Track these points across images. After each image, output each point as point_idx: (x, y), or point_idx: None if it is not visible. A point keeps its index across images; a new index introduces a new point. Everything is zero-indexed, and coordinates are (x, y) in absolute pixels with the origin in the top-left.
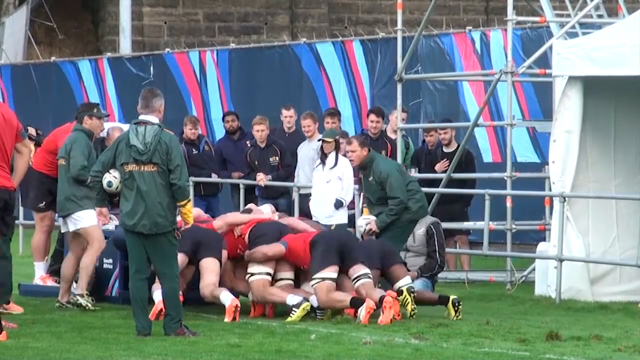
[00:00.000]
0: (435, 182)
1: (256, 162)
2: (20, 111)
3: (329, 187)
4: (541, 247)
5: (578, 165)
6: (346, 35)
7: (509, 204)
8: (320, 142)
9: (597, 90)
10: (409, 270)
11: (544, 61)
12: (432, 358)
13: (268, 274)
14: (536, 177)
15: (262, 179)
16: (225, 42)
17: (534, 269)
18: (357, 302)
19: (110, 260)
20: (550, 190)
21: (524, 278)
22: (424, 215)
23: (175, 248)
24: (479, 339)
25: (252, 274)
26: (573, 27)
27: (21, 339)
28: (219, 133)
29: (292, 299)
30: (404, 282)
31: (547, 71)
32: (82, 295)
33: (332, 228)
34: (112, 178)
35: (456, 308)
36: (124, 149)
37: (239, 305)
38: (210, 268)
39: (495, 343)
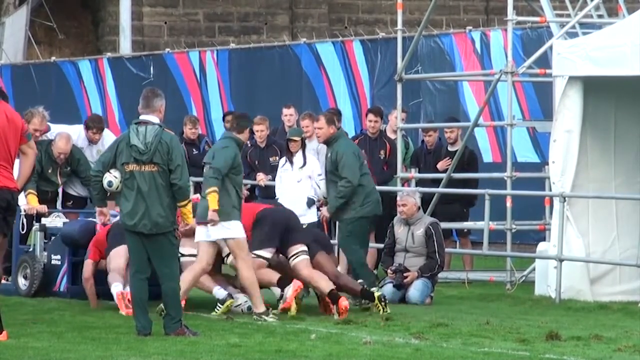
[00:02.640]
0: (436, 182)
1: (256, 162)
2: (21, 111)
3: (300, 186)
4: (541, 247)
5: (578, 165)
6: (346, 35)
7: (509, 203)
8: (286, 141)
9: (597, 90)
10: (408, 271)
11: (544, 61)
12: (432, 358)
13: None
14: (536, 177)
15: (262, 179)
16: (225, 42)
17: (533, 269)
18: (284, 283)
19: (59, 257)
20: (550, 190)
21: (523, 278)
22: (374, 214)
23: (176, 248)
24: (479, 338)
25: (182, 255)
26: (573, 27)
27: (21, 339)
28: (219, 133)
29: (218, 292)
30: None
31: (547, 71)
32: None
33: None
34: (112, 178)
35: (383, 304)
36: (125, 148)
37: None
38: (119, 254)
39: (495, 343)
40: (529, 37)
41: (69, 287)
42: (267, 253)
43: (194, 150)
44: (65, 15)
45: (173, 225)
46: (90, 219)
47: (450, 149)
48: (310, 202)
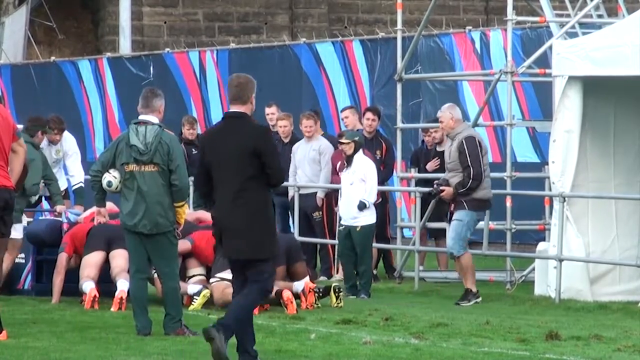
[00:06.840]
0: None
1: None
2: (20, 111)
3: (352, 189)
4: (541, 247)
5: (578, 165)
6: (346, 35)
7: (508, 203)
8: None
9: (597, 90)
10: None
11: (544, 61)
12: (432, 358)
13: None
14: (536, 177)
15: None
16: (225, 42)
17: (533, 269)
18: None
19: (22, 255)
20: (550, 190)
21: (523, 278)
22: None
23: (176, 248)
24: (479, 338)
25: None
26: (573, 27)
27: (21, 338)
28: None
29: (192, 288)
30: (301, 284)
31: (547, 71)
32: None
33: (358, 230)
34: (111, 178)
35: (337, 295)
36: (124, 148)
37: (124, 297)
38: (119, 254)
39: (495, 343)
40: (529, 37)
41: (34, 285)
42: (228, 274)
43: (193, 150)
44: (65, 15)
45: (173, 225)
46: (51, 217)
47: (438, 149)
48: (361, 206)
